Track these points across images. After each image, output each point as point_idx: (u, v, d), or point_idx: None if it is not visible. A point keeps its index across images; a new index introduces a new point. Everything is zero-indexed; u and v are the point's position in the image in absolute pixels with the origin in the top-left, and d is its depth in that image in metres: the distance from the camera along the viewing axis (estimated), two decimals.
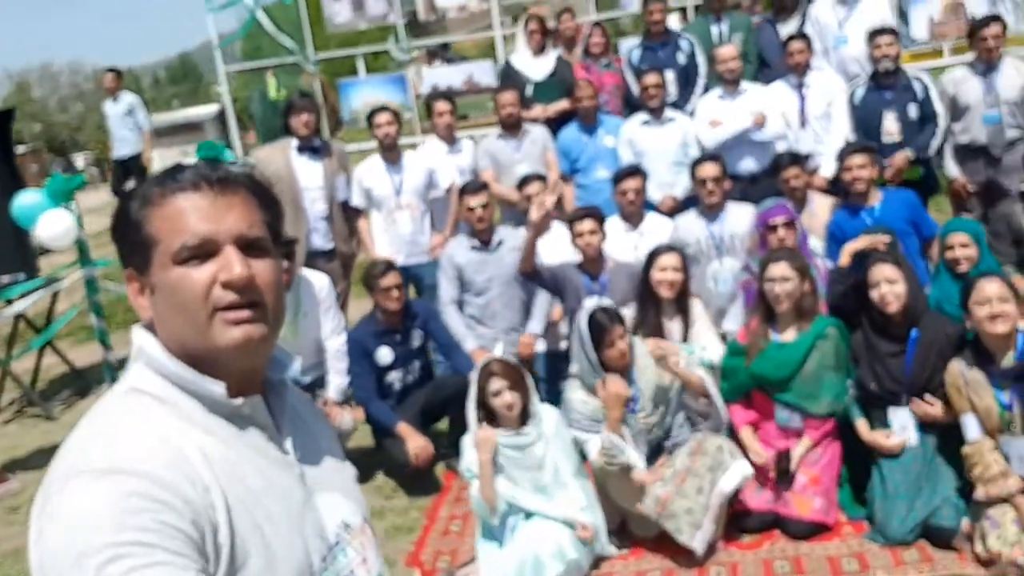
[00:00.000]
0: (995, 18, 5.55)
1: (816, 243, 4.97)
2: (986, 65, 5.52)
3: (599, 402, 3.87)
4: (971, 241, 4.28)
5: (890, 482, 3.83)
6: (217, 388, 1.22)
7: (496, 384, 3.87)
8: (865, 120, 5.64)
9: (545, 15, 6.96)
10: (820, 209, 5.09)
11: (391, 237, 5.75)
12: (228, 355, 1.22)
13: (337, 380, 4.91)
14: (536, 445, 3.89)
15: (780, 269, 4.02)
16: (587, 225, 4.72)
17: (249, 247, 1.25)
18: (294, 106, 5.67)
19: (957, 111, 5.60)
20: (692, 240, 5.04)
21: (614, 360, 3.86)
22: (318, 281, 4.99)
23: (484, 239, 5.14)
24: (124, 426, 1.16)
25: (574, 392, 3.99)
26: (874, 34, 5.65)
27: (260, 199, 1.30)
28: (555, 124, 6.30)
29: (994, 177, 5.57)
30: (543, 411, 3.97)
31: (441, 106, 6.01)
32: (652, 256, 4.49)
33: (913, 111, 5.56)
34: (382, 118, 5.72)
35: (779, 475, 3.93)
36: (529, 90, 6.41)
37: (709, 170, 5.01)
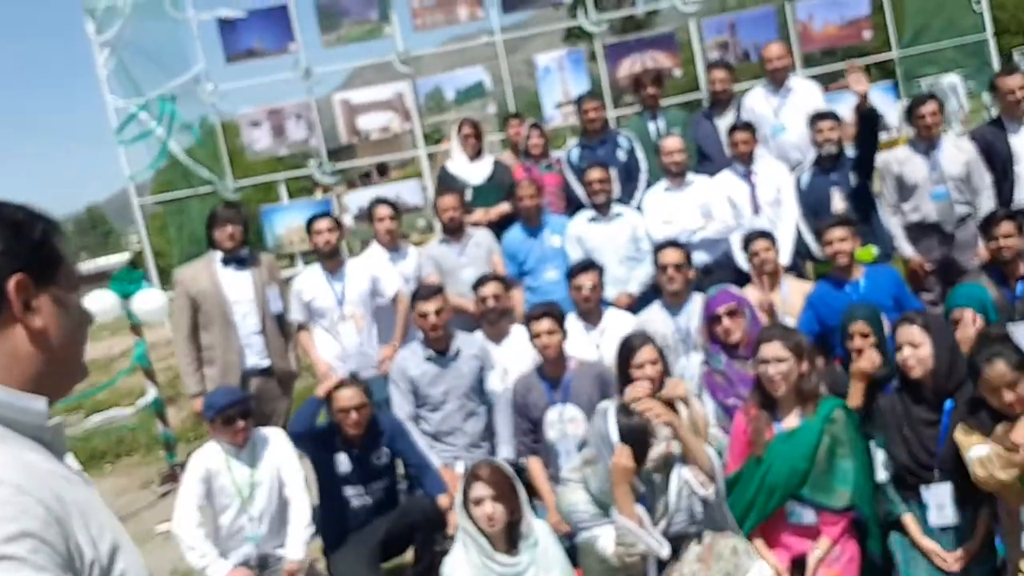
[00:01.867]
0: (931, 96, 5.60)
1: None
2: (927, 143, 5.53)
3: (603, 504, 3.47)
4: (976, 316, 4.09)
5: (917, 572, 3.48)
6: (39, 404, 1.23)
7: (479, 491, 3.42)
8: (814, 203, 5.56)
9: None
10: (794, 293, 4.90)
11: (335, 352, 5.33)
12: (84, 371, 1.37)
13: (301, 535, 4.25)
14: (527, 573, 3.44)
15: (772, 349, 3.70)
16: (545, 324, 4.39)
17: None
18: (217, 217, 5.30)
19: (904, 190, 5.57)
20: (658, 336, 4.76)
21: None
22: (275, 437, 4.47)
23: (439, 349, 4.75)
24: None
25: (575, 494, 3.55)
26: (815, 119, 5.64)
27: None
28: (498, 228, 6.07)
29: (949, 254, 5.50)
30: (537, 529, 3.53)
31: (382, 211, 5.72)
32: (625, 352, 4.13)
33: (853, 180, 5.53)
34: (322, 224, 5.39)
35: None
36: (468, 195, 6.19)
37: (671, 256, 4.82)
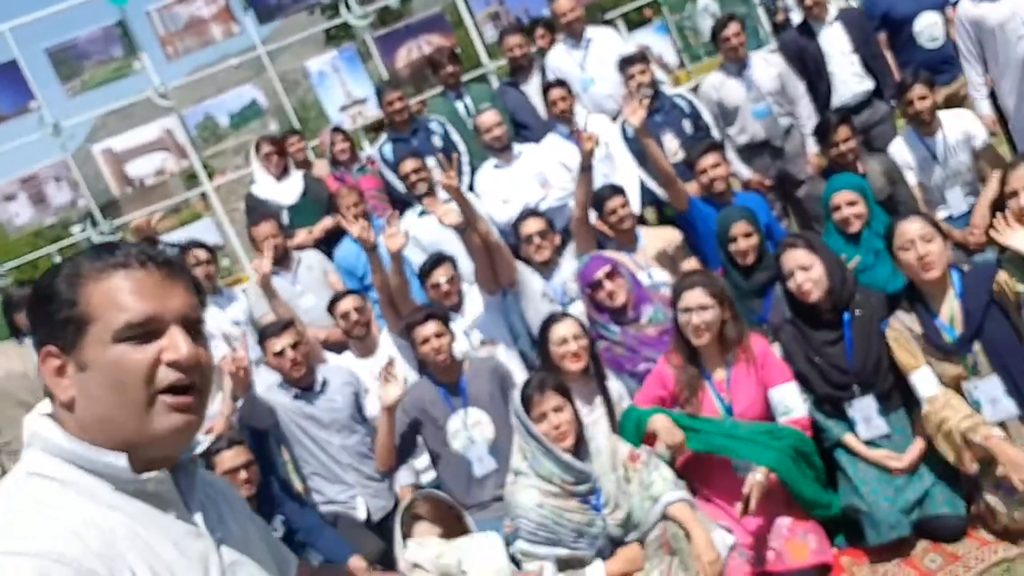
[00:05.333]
0: (731, 17, 5.55)
1: (658, 275, 4.57)
2: (737, 64, 5.50)
3: (557, 504, 3.11)
4: (858, 197, 4.06)
5: (865, 487, 3.35)
6: (119, 461, 1.19)
7: (425, 533, 2.99)
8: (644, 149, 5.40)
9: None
10: (652, 242, 4.72)
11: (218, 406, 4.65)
12: (163, 440, 1.23)
13: None
14: None
15: (696, 297, 3.46)
16: (431, 328, 3.97)
17: (191, 329, 1.27)
18: (12, 300, 4.55)
19: (727, 114, 5.52)
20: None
21: (551, 438, 3.14)
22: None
23: (304, 384, 4.23)
24: (24, 509, 1.14)
25: (526, 494, 3.18)
26: (624, 64, 5.48)
27: (195, 285, 1.32)
28: (327, 246, 5.56)
29: (783, 168, 5.51)
30: (487, 547, 3.13)
31: (198, 254, 5.05)
32: (545, 329, 3.82)
33: (688, 127, 5.41)
34: None
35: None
36: (285, 217, 5.62)
37: (533, 225, 4.55)
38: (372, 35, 8.48)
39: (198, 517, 1.31)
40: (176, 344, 1.22)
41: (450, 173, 4.27)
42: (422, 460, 4.47)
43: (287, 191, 5.74)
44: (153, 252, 1.27)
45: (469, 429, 4.00)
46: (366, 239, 4.33)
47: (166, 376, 1.21)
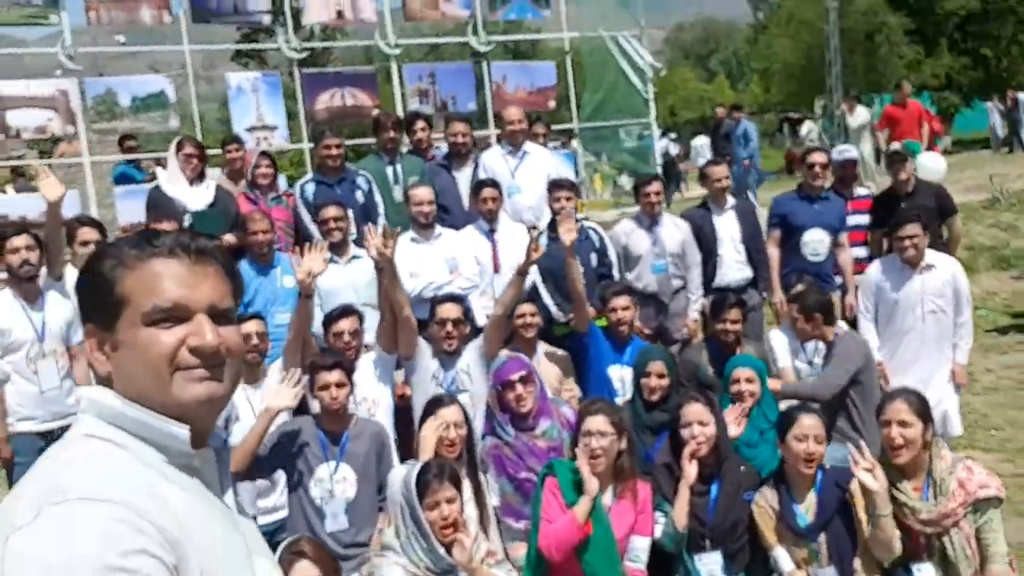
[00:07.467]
0: (655, 177, 6.02)
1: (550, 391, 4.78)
2: (650, 219, 5.94)
3: None
4: (756, 376, 4.42)
5: None
6: (181, 430, 1.24)
7: (306, 573, 2.98)
8: (555, 268, 5.68)
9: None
10: (547, 363, 4.95)
11: (28, 396, 4.38)
12: (190, 410, 1.25)
13: None
14: None
15: (598, 423, 3.67)
16: (335, 376, 3.99)
17: (218, 316, 1.29)
18: None
19: (629, 261, 5.92)
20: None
21: (436, 528, 3.23)
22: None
23: None
24: (92, 462, 1.17)
25: (391, 571, 3.23)
26: (553, 187, 5.79)
27: (228, 271, 1.35)
28: None
29: (664, 323, 5.94)
30: None
31: (88, 234, 4.86)
32: (429, 410, 3.94)
33: (594, 260, 5.76)
34: (19, 241, 4.45)
35: None
36: (187, 220, 5.50)
37: (451, 311, 4.66)
38: (301, 71, 8.60)
39: (229, 499, 1.35)
40: (201, 332, 1.25)
41: (388, 241, 4.33)
42: (271, 499, 4.41)
43: (197, 196, 5.64)
44: (188, 241, 1.29)
45: (333, 483, 4.01)
46: (307, 286, 4.30)
47: (187, 359, 1.24)
